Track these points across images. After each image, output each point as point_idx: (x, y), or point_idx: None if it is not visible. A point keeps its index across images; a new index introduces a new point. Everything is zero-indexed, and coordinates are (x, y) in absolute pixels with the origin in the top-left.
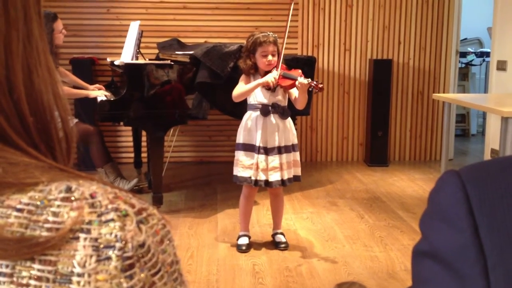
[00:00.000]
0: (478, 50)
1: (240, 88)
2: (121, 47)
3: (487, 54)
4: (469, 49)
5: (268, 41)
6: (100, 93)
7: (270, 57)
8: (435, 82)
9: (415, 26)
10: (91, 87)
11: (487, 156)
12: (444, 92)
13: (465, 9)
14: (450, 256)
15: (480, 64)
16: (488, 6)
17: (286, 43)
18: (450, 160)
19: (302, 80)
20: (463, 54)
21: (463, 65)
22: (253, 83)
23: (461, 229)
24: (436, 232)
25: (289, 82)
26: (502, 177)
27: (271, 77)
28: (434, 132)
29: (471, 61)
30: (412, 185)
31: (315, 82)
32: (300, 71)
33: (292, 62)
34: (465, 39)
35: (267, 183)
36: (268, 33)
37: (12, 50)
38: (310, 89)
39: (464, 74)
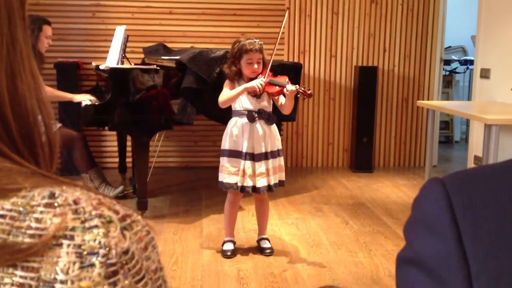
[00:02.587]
0: (462, 58)
1: (226, 94)
2: (107, 52)
3: (471, 62)
4: (453, 57)
5: (254, 49)
6: (85, 97)
7: (255, 66)
8: (420, 89)
9: (400, 34)
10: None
11: (471, 163)
12: (428, 99)
13: (449, 17)
14: (433, 263)
15: (464, 72)
16: (472, 14)
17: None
18: (434, 167)
19: (290, 87)
20: (447, 62)
21: (447, 73)
22: (240, 88)
23: (445, 237)
24: (419, 240)
25: (276, 88)
26: (486, 185)
27: (257, 83)
28: (418, 138)
29: (455, 68)
30: (397, 191)
31: (303, 89)
32: (286, 77)
33: (278, 68)
34: (449, 47)
35: (254, 188)
36: (255, 40)
37: None
38: (298, 95)
39: (448, 81)
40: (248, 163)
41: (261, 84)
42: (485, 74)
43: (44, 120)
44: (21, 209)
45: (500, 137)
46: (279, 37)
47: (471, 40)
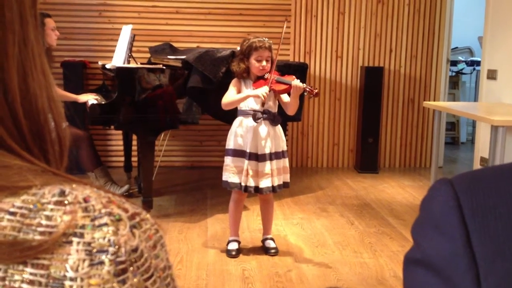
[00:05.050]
0: (469, 59)
1: (230, 97)
2: (113, 51)
3: (478, 63)
4: (460, 58)
5: (264, 46)
6: (90, 97)
7: (264, 63)
8: (426, 90)
9: (407, 34)
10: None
11: (477, 164)
12: (434, 100)
13: (456, 18)
14: (442, 264)
15: (471, 73)
16: (479, 15)
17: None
18: (440, 168)
19: (298, 82)
20: (454, 63)
21: (454, 74)
22: (244, 94)
23: (453, 237)
24: (428, 240)
25: (283, 86)
26: (495, 186)
27: (262, 92)
28: (424, 139)
29: (461, 69)
30: (402, 192)
31: (310, 87)
32: (293, 77)
33: (284, 68)
34: (456, 48)
35: (257, 189)
36: (264, 38)
37: (7, 53)
38: (304, 93)
39: (454, 82)
40: (251, 163)
41: (266, 93)
42: (491, 75)
43: (54, 118)
44: (31, 206)
45: (506, 138)
46: (281, 41)
47: (478, 41)
